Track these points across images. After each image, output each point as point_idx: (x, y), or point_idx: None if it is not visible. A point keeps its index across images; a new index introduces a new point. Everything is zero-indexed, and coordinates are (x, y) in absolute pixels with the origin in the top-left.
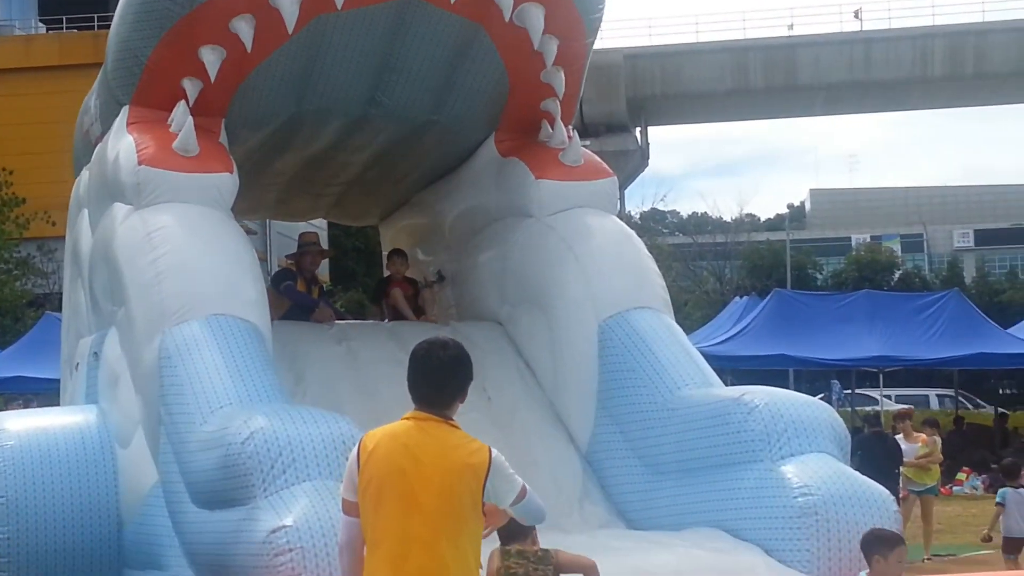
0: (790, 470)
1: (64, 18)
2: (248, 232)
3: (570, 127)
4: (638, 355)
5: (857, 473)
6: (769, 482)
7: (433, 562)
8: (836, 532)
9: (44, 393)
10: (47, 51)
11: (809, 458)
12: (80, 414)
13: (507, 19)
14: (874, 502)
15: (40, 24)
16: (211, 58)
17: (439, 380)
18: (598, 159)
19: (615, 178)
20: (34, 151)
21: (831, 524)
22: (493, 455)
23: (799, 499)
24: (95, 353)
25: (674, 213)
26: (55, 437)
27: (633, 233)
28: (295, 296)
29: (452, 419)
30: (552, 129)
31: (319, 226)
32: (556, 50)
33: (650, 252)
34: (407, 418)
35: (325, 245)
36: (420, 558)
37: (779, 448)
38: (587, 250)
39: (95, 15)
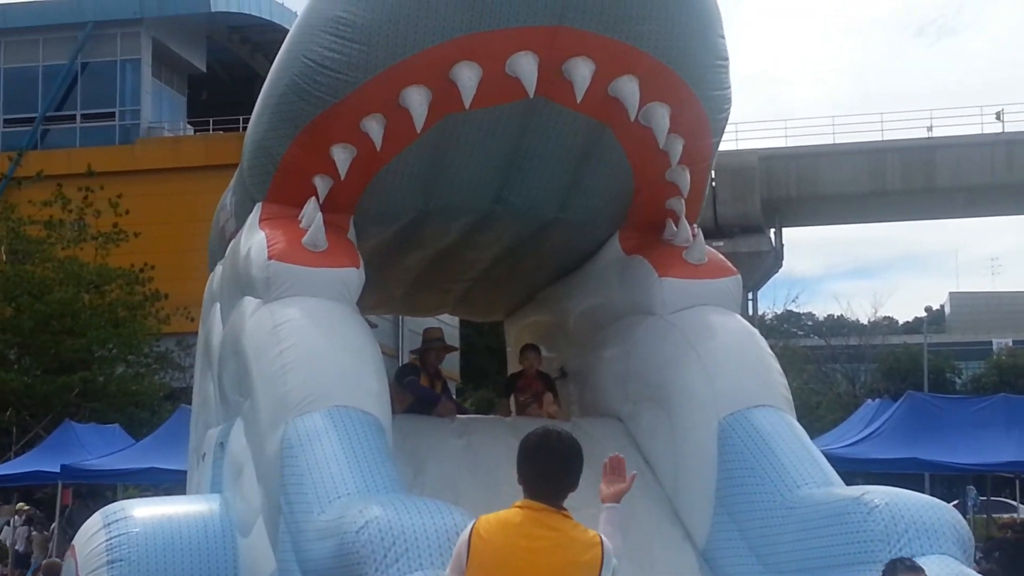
0: None
1: (211, 120)
2: (371, 326)
3: (695, 225)
4: (758, 453)
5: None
6: None
7: None
8: None
9: (176, 484)
10: (194, 152)
11: (930, 560)
12: (204, 503)
13: (633, 118)
14: None
15: (188, 126)
16: (342, 156)
17: (551, 470)
18: (722, 257)
19: (739, 276)
20: (178, 249)
21: None
22: (606, 548)
23: None
24: (221, 443)
25: (809, 315)
26: (179, 525)
27: (756, 331)
28: (418, 390)
29: (564, 509)
30: (676, 227)
31: (451, 323)
32: (681, 149)
33: (783, 354)
34: (520, 507)
35: (456, 342)
36: None
37: (900, 549)
38: (709, 348)
39: (240, 117)
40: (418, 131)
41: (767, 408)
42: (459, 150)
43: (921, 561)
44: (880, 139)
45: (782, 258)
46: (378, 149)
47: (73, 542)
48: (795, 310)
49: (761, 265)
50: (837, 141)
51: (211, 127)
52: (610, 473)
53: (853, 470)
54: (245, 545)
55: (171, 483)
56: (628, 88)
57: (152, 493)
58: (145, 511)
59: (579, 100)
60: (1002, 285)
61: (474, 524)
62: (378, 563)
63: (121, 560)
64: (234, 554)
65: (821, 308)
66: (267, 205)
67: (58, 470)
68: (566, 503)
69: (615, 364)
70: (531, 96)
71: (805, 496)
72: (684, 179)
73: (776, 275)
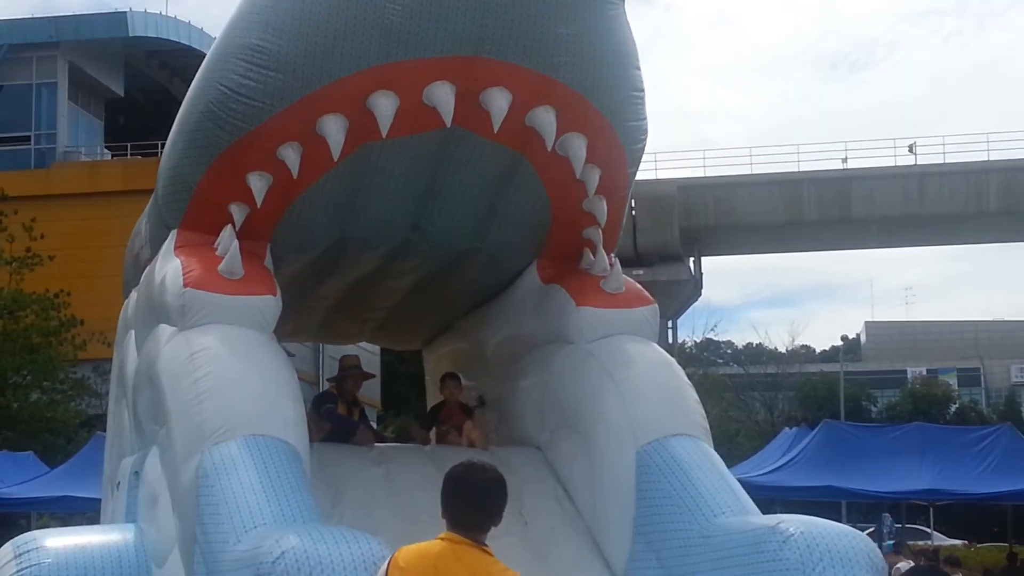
0: None
1: (129, 145)
2: (288, 355)
3: (612, 255)
4: (675, 482)
5: None
6: None
7: None
8: None
9: (91, 512)
10: (111, 177)
11: None
12: (118, 533)
13: (549, 148)
14: None
15: (106, 151)
16: (258, 184)
17: (475, 503)
18: (639, 287)
19: (656, 306)
20: (94, 274)
21: None
22: None
23: None
24: (136, 472)
25: (728, 343)
26: (92, 555)
27: (673, 360)
28: (335, 419)
29: (485, 544)
30: (594, 257)
31: (371, 350)
32: (599, 179)
33: (703, 382)
34: (441, 539)
35: (376, 369)
36: None
37: None
38: (626, 377)
39: (158, 142)
40: (335, 160)
41: (684, 437)
42: (376, 179)
43: None
44: (796, 170)
45: (701, 286)
46: (295, 177)
47: None
48: (714, 338)
49: (680, 293)
50: (755, 171)
51: (129, 152)
52: None
53: (771, 497)
54: None
55: (86, 512)
56: (545, 119)
57: (69, 522)
58: (57, 541)
59: (496, 130)
60: (916, 315)
61: (393, 555)
62: None
63: None
64: None
65: (740, 336)
66: (182, 232)
67: None
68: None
69: (533, 393)
70: (448, 126)
71: (722, 525)
72: (601, 209)
73: (695, 303)
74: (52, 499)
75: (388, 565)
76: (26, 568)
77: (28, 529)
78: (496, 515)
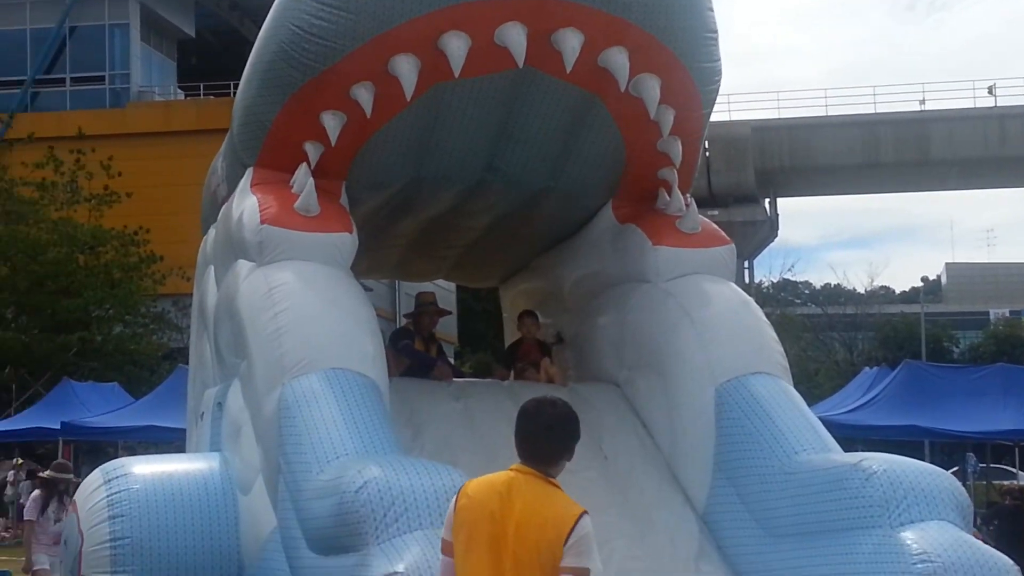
0: (909, 537)
1: (202, 85)
2: (365, 290)
3: (687, 195)
4: (755, 419)
5: (979, 542)
6: (887, 548)
7: None
8: None
9: (175, 442)
10: (185, 116)
11: (929, 525)
12: (204, 461)
13: (623, 89)
14: (996, 572)
15: (179, 91)
16: (332, 123)
17: (545, 437)
18: (715, 227)
19: (732, 245)
20: (171, 211)
21: None
22: (581, 522)
23: (918, 566)
24: (219, 403)
25: (806, 284)
26: (179, 482)
27: (750, 299)
28: (413, 354)
29: (554, 478)
30: (669, 197)
31: (447, 287)
32: (672, 120)
33: (781, 322)
34: (511, 470)
35: (452, 306)
36: None
37: (898, 515)
38: (704, 316)
39: (230, 82)
40: (408, 100)
41: (764, 375)
42: (449, 119)
43: (919, 527)
44: (873, 112)
45: (777, 227)
46: (368, 116)
47: (74, 498)
48: (792, 279)
49: (756, 234)
50: (830, 113)
51: (202, 92)
52: None
53: (852, 436)
54: (245, 503)
55: (171, 441)
56: (618, 59)
57: (153, 451)
58: (145, 468)
59: (568, 71)
60: (998, 256)
61: (463, 485)
62: (377, 522)
63: (123, 515)
64: (235, 511)
65: (817, 277)
66: (258, 170)
67: (58, 427)
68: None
69: (610, 331)
70: (520, 66)
71: (803, 462)
72: (676, 149)
73: (771, 244)
74: (137, 428)
75: (458, 495)
76: (115, 493)
77: (115, 457)
78: (567, 450)
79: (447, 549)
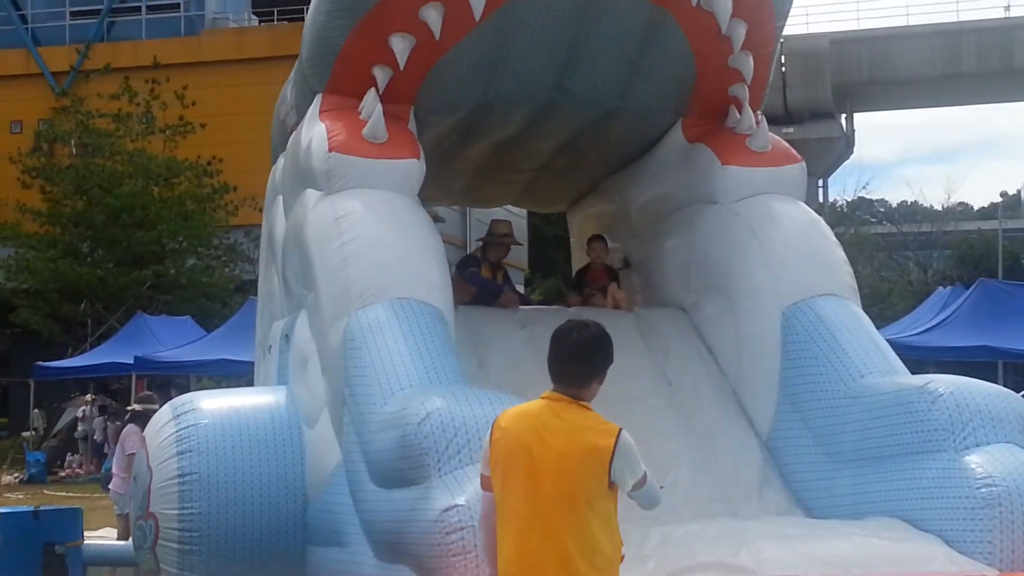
0: (974, 460)
1: (275, 11)
2: (436, 219)
3: (758, 112)
4: (821, 342)
5: None
6: (952, 472)
7: (553, 545)
8: (1021, 525)
9: (247, 375)
10: (259, 43)
11: (995, 448)
12: (271, 394)
13: (694, 3)
14: None
15: (253, 17)
16: (401, 46)
17: (577, 360)
18: (786, 144)
19: (803, 164)
20: (245, 141)
21: (1016, 516)
22: (621, 437)
23: (982, 490)
24: (286, 336)
25: (882, 202)
26: (246, 416)
27: (820, 219)
28: (479, 282)
29: (587, 401)
30: (740, 115)
31: (519, 213)
32: (744, 34)
33: (854, 241)
34: (544, 397)
35: (523, 232)
36: (540, 540)
37: (964, 438)
38: (772, 237)
39: (304, 7)
40: (477, 19)
41: (831, 297)
42: (518, 38)
43: (985, 450)
44: (955, 20)
45: (853, 144)
46: (437, 38)
47: (144, 433)
48: (867, 197)
49: (832, 151)
50: (910, 23)
51: (275, 17)
52: None
53: (924, 358)
54: (311, 436)
55: (242, 374)
56: None
57: (225, 384)
58: (213, 403)
59: None
60: None
61: (496, 418)
62: (440, 454)
63: (191, 451)
64: (301, 445)
65: (894, 195)
66: (327, 96)
67: (131, 362)
68: (617, 391)
69: (678, 254)
70: None
71: (869, 385)
72: (747, 65)
73: (847, 161)
74: (209, 362)
75: (492, 427)
76: (184, 428)
77: (187, 391)
78: (600, 372)
79: (486, 484)
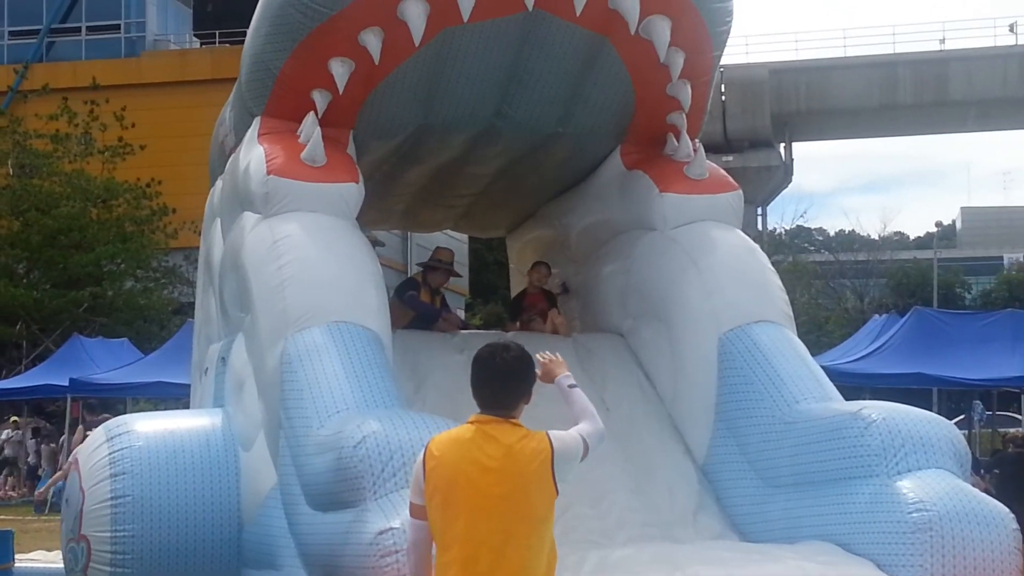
0: (906, 485)
1: (217, 33)
2: (376, 243)
3: (696, 140)
4: (757, 368)
5: (975, 490)
6: (884, 497)
7: (505, 564)
8: (951, 549)
9: (184, 398)
10: (200, 65)
11: (926, 474)
12: (206, 417)
13: (633, 32)
14: (992, 520)
15: (195, 39)
16: (340, 70)
17: (502, 383)
18: (723, 172)
19: (740, 192)
20: (185, 163)
21: (946, 540)
22: (553, 442)
23: (914, 515)
24: (223, 358)
25: (820, 231)
26: (181, 439)
27: (756, 247)
28: (418, 306)
29: (515, 419)
30: (678, 142)
31: (460, 239)
32: (682, 63)
33: (793, 269)
34: (471, 422)
35: (464, 257)
36: (490, 563)
37: (896, 463)
38: (709, 263)
39: (246, 29)
40: (416, 44)
41: (767, 323)
42: (458, 64)
43: (917, 475)
44: (892, 52)
45: (792, 172)
46: (376, 63)
47: (76, 455)
48: (805, 225)
49: (770, 180)
50: (848, 54)
51: (217, 40)
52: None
53: (860, 385)
54: (247, 459)
55: (180, 397)
56: (628, 1)
57: (162, 407)
58: (147, 425)
59: (578, 13)
60: (1015, 200)
61: (427, 445)
62: (375, 477)
63: (124, 473)
64: (236, 468)
65: (831, 223)
66: (266, 119)
67: (67, 384)
68: (553, 415)
69: (616, 280)
70: (530, 9)
71: (804, 411)
72: (685, 93)
73: (786, 190)
74: (146, 384)
75: (424, 456)
76: (118, 451)
77: (124, 413)
78: (524, 393)
79: (417, 512)
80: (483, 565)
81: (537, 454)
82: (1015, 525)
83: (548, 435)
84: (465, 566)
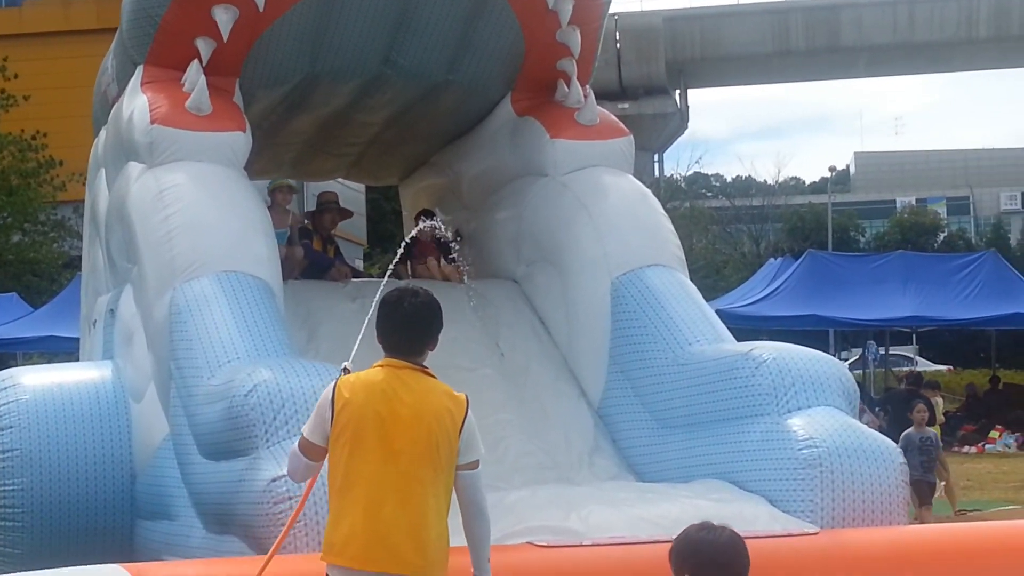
0: (796, 423)
1: None
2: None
3: (587, 86)
4: (650, 311)
5: (863, 426)
6: (775, 435)
7: (406, 512)
8: (840, 484)
9: (74, 352)
10: (85, 15)
11: (816, 411)
12: (95, 369)
13: None
14: (880, 454)
15: None
16: (224, 18)
17: (411, 328)
18: (614, 119)
19: (631, 137)
20: (71, 114)
21: (835, 475)
22: (469, 408)
23: (804, 451)
24: (111, 310)
25: (717, 176)
26: (70, 391)
27: (648, 192)
28: (310, 255)
29: (426, 366)
30: (568, 88)
31: (357, 188)
32: (571, 9)
33: (690, 215)
34: (380, 366)
35: (361, 207)
36: (394, 507)
37: (786, 402)
38: (601, 208)
39: None
40: None
41: (659, 267)
42: (345, 11)
43: (806, 413)
44: None
45: (687, 119)
46: (261, 10)
47: None
48: (702, 171)
49: (666, 127)
50: (742, 1)
51: None
52: None
53: (757, 327)
54: (138, 411)
55: (72, 351)
56: None
57: (54, 361)
58: (35, 378)
59: None
60: (906, 144)
61: (335, 385)
62: (267, 425)
63: (11, 427)
64: (127, 420)
65: (727, 170)
66: (149, 68)
67: None
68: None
69: (508, 226)
70: None
71: (696, 353)
72: (575, 39)
73: (682, 137)
74: (36, 339)
75: (332, 396)
76: (4, 405)
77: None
78: (431, 338)
79: (312, 452)
80: (388, 508)
81: (451, 413)
82: (902, 459)
83: (467, 404)
84: (369, 508)
